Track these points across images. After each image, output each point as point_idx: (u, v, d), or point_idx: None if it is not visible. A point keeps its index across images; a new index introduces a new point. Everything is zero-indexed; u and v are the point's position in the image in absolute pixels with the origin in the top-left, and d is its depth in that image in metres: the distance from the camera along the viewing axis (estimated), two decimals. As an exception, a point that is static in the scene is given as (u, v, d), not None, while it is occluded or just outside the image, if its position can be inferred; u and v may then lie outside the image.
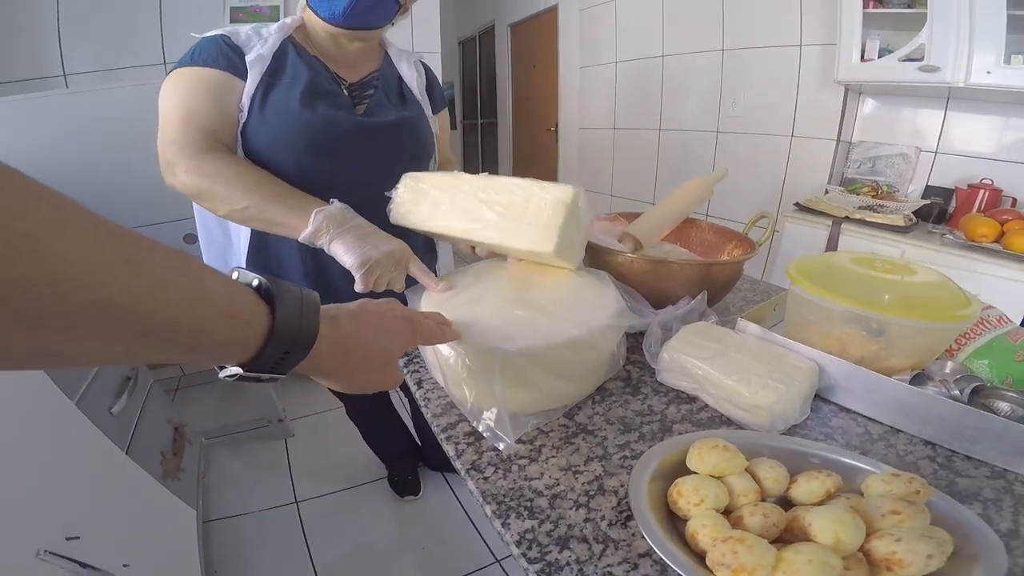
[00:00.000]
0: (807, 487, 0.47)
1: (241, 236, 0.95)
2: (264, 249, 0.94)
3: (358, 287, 0.72)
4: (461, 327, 0.59)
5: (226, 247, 0.99)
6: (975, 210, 1.68)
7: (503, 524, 0.48)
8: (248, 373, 0.36)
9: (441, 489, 1.68)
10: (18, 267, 0.22)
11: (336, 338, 0.41)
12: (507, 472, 0.55)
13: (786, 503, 0.48)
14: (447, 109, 1.14)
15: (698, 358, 0.65)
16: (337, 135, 0.87)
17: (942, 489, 0.51)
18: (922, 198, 1.84)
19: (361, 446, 1.60)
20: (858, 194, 1.81)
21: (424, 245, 1.05)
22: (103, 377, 1.27)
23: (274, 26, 0.88)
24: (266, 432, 1.89)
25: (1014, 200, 1.71)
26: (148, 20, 2.03)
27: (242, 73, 0.82)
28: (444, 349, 0.60)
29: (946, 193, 1.81)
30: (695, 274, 0.80)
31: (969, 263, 1.46)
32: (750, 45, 2.24)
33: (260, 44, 0.84)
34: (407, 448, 1.68)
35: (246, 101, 0.82)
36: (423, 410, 0.67)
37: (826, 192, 1.92)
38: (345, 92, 0.92)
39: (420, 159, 1.01)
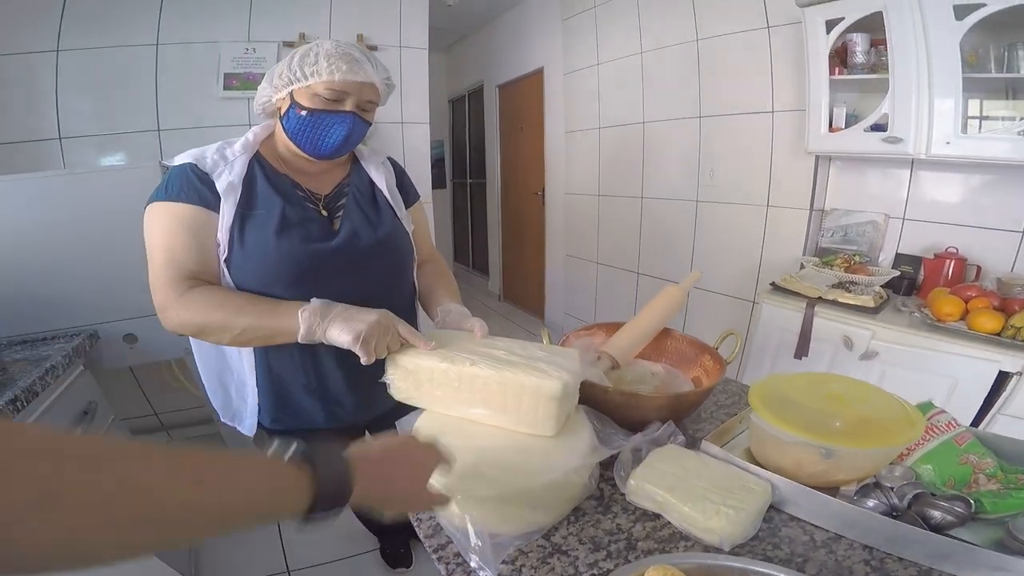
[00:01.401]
0: None
1: (243, 356, 0.96)
2: (266, 365, 0.96)
3: (362, 360, 0.77)
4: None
5: (224, 369, 1.01)
6: (942, 281, 1.75)
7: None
8: (309, 521, 0.45)
9: (432, 562, 1.67)
10: (124, 506, 0.31)
11: (379, 476, 0.50)
12: None
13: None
14: (421, 200, 1.16)
15: (660, 486, 0.71)
16: (319, 265, 0.90)
17: None
18: (893, 267, 1.90)
19: (351, 518, 1.60)
20: (832, 267, 1.87)
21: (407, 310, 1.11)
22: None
23: (238, 144, 0.90)
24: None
25: (978, 269, 1.77)
26: (143, 85, 2.11)
27: (214, 205, 0.84)
28: (435, 485, 0.65)
29: (915, 261, 1.87)
30: (664, 403, 0.86)
31: (935, 343, 1.49)
32: (725, 112, 2.32)
33: (228, 170, 0.87)
34: (398, 521, 1.67)
35: (223, 235, 0.85)
36: (416, 529, 0.74)
37: (801, 267, 1.97)
38: (320, 210, 0.94)
39: (402, 268, 1.05)
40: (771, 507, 0.73)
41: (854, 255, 1.95)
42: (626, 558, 0.65)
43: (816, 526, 0.71)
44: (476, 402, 0.75)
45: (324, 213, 0.94)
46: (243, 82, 2.25)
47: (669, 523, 0.70)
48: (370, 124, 0.93)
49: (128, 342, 1.56)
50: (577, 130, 3.25)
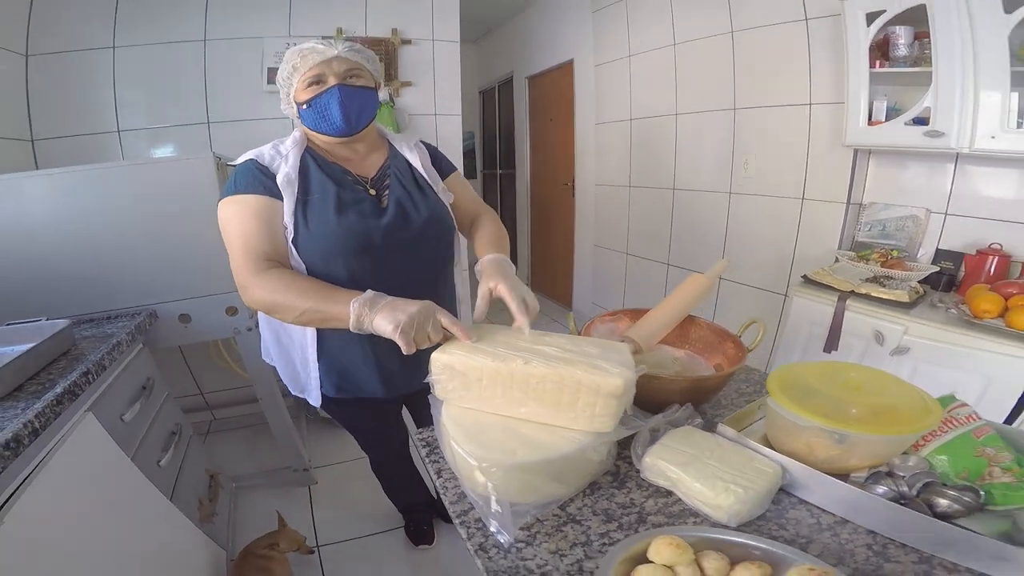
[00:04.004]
0: (742, 574, 0.56)
1: (307, 333, 1.07)
2: (327, 341, 1.08)
3: (403, 349, 0.81)
4: (474, 431, 0.74)
5: (291, 344, 1.12)
6: (984, 278, 1.69)
7: (503, 594, 0.61)
8: None
9: (454, 539, 1.74)
10: None
11: None
12: (507, 554, 0.66)
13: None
14: (457, 170, 1.24)
15: (674, 463, 0.74)
16: (374, 238, 1.00)
17: (869, 572, 0.62)
18: (932, 263, 1.85)
19: (380, 495, 1.69)
20: (867, 261, 1.83)
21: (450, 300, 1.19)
22: (154, 433, 1.41)
23: (289, 140, 1.02)
24: (292, 479, 2.00)
25: (1023, 267, 1.71)
26: (193, 79, 2.24)
27: (277, 194, 0.96)
28: (460, 455, 0.71)
29: (956, 257, 1.82)
30: (684, 386, 0.89)
31: (971, 340, 1.45)
32: (760, 104, 2.29)
33: (284, 163, 0.98)
34: (424, 500, 1.76)
35: (288, 219, 0.96)
36: (442, 497, 0.78)
37: (836, 260, 1.94)
38: (369, 190, 1.04)
39: (446, 239, 1.14)
40: (781, 489, 0.75)
41: (892, 250, 1.91)
42: (636, 530, 0.68)
43: (824, 510, 0.72)
44: (528, 400, 0.75)
45: (372, 192, 1.05)
46: (286, 77, 2.35)
47: (680, 500, 0.73)
48: (367, 89, 1.02)
49: (183, 322, 1.68)
50: (607, 121, 3.25)
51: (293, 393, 1.20)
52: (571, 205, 3.75)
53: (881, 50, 1.79)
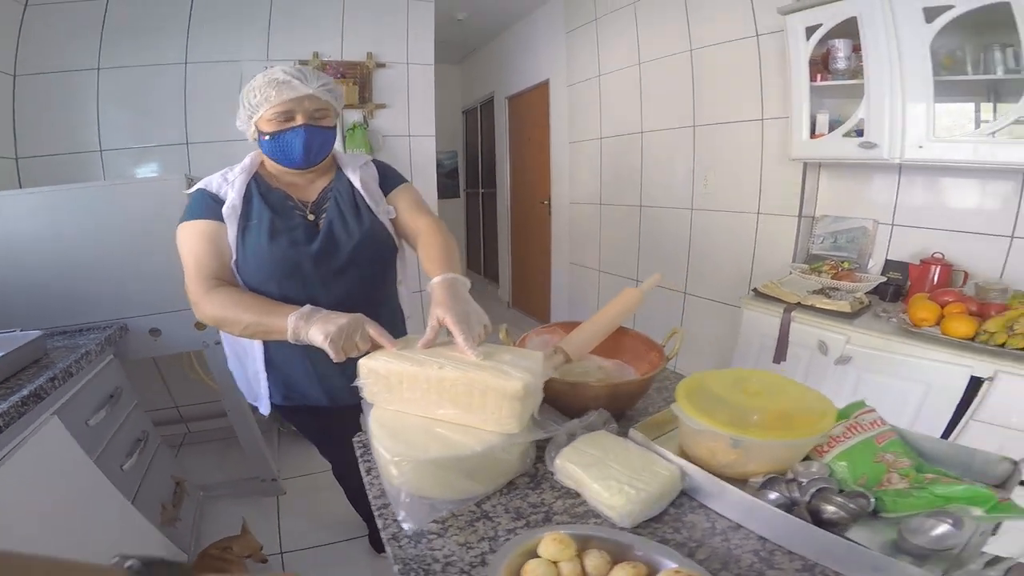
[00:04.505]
0: (618, 574, 0.60)
1: (255, 345, 1.15)
2: (272, 353, 1.15)
3: (332, 357, 0.88)
4: (395, 431, 0.78)
5: (244, 356, 1.21)
6: (928, 287, 1.76)
7: (404, 580, 0.64)
8: None
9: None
10: None
11: None
12: (417, 543, 0.70)
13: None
14: (408, 184, 1.24)
15: (579, 464, 0.78)
16: (303, 263, 1.06)
17: None
18: (882, 273, 1.91)
19: (345, 506, 1.72)
20: (819, 273, 1.89)
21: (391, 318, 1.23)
22: (119, 439, 1.46)
23: (238, 168, 1.09)
24: (260, 489, 2.04)
25: (965, 275, 1.77)
26: (174, 101, 2.31)
27: (223, 218, 1.03)
28: (379, 451, 0.77)
29: (903, 267, 1.88)
30: (602, 393, 0.94)
31: (910, 348, 1.50)
32: (718, 120, 2.37)
33: (230, 189, 1.05)
34: (388, 508, 1.79)
35: (232, 243, 1.03)
36: (368, 492, 0.84)
37: (790, 273, 2.00)
38: (307, 216, 1.10)
39: (382, 259, 1.18)
40: (684, 493, 0.79)
41: (843, 261, 1.97)
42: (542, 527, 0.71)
43: (721, 515, 0.74)
44: (444, 403, 0.82)
45: (311, 218, 1.11)
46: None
47: (585, 501, 0.76)
48: (330, 128, 1.08)
49: (153, 335, 1.74)
50: (580, 140, 3.33)
51: (249, 401, 1.27)
52: (548, 223, 3.82)
53: (824, 63, 1.86)
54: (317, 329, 0.89)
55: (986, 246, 1.73)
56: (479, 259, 5.46)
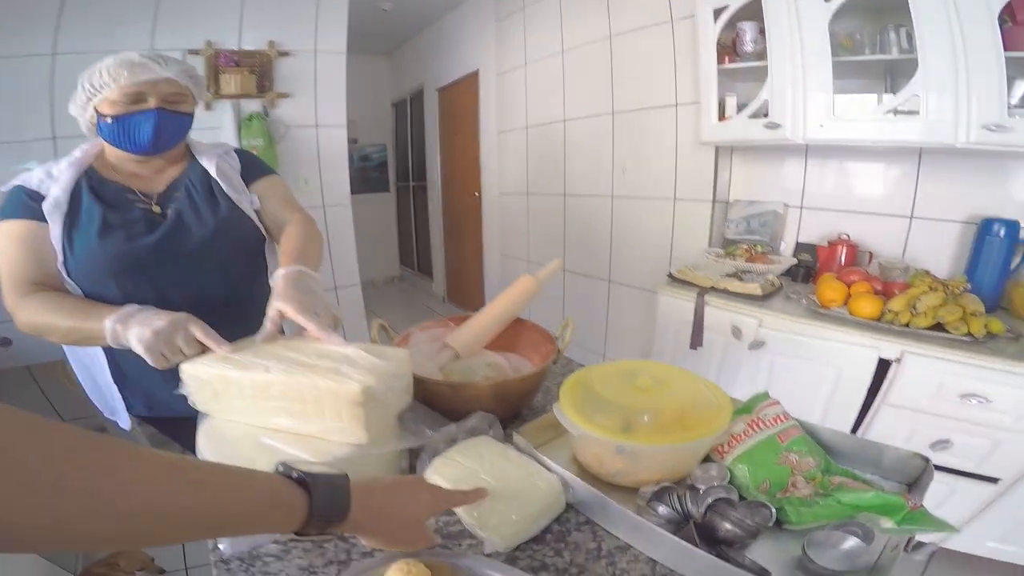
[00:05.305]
0: None
1: (99, 354, 1.02)
2: (119, 359, 1.00)
3: (152, 363, 0.77)
4: (221, 444, 0.69)
5: (90, 364, 1.06)
6: (835, 268, 1.79)
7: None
8: (300, 537, 0.54)
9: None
10: (127, 500, 0.34)
11: (370, 507, 0.51)
12: (250, 567, 0.61)
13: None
14: (273, 174, 1.14)
15: (448, 479, 0.68)
16: (143, 258, 0.93)
17: None
18: (793, 255, 1.94)
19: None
20: (734, 256, 1.90)
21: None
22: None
23: (64, 163, 0.94)
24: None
25: (870, 255, 1.82)
26: (39, 94, 2.08)
27: (44, 217, 0.89)
28: None
29: (812, 249, 1.92)
30: (486, 392, 0.85)
31: (819, 330, 1.50)
32: (635, 107, 2.35)
33: (54, 185, 0.91)
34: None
35: (56, 244, 0.90)
36: None
37: (705, 257, 2.00)
38: (151, 208, 0.97)
39: (244, 251, 1.06)
40: (571, 506, 0.70)
41: (756, 245, 1.99)
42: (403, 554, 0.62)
43: (609, 532, 0.67)
44: (278, 411, 0.70)
45: (156, 209, 0.98)
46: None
47: (459, 520, 0.68)
48: (186, 114, 0.98)
49: (3, 345, 1.61)
50: (508, 130, 3.27)
51: (105, 416, 1.11)
52: (479, 215, 3.75)
53: (733, 47, 1.86)
54: (134, 334, 0.78)
55: (888, 226, 1.78)
56: (412, 254, 5.30)
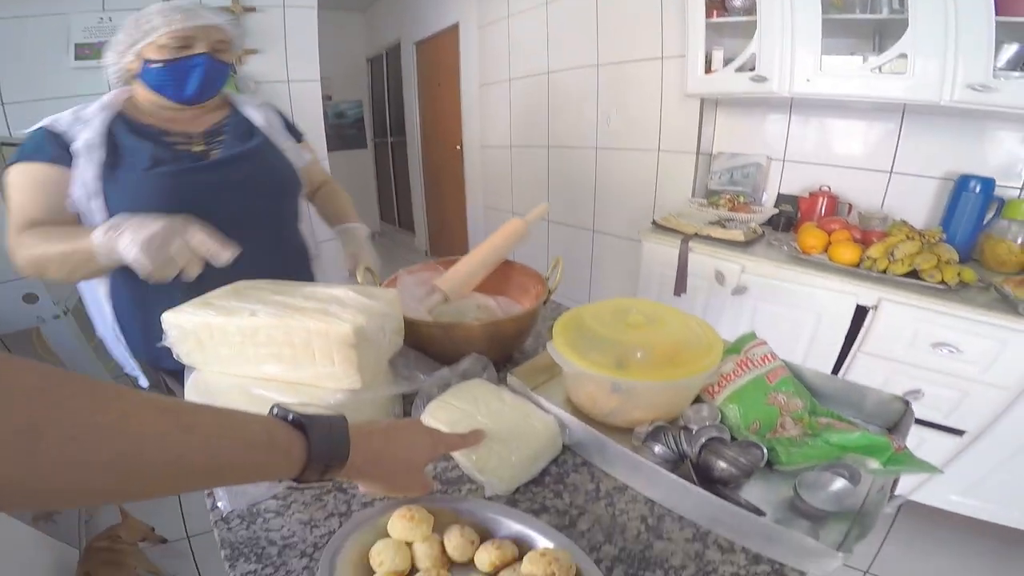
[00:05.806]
0: (481, 556, 0.51)
1: (105, 310, 0.99)
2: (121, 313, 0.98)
3: (141, 274, 0.71)
4: (208, 396, 0.68)
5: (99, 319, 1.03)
6: (815, 219, 1.82)
7: (230, 566, 0.55)
8: (299, 484, 0.52)
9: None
10: (111, 446, 0.31)
11: (369, 451, 0.49)
12: (251, 524, 0.61)
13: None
14: (305, 141, 1.19)
15: (445, 422, 0.67)
16: (190, 184, 0.90)
17: (636, 553, 0.56)
18: (774, 205, 1.97)
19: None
20: (717, 206, 1.91)
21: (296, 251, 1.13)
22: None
23: (94, 106, 0.91)
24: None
25: (850, 207, 1.85)
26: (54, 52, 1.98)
27: (66, 162, 0.85)
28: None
29: (793, 200, 1.94)
30: (480, 333, 0.83)
31: (800, 276, 1.54)
32: (619, 60, 2.32)
33: (85, 128, 0.87)
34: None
35: (86, 186, 0.85)
36: None
37: (689, 206, 2.02)
38: (192, 147, 0.95)
39: (291, 194, 1.08)
40: (568, 448, 0.70)
41: (739, 195, 2.00)
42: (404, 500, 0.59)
43: (606, 473, 0.66)
44: (267, 358, 0.68)
45: (200, 148, 0.96)
46: (97, 51, 2.07)
47: (457, 465, 0.67)
48: (227, 64, 0.97)
49: None
50: (490, 83, 3.19)
51: (127, 374, 1.06)
52: (461, 168, 3.70)
53: (721, 2, 1.82)
54: (127, 239, 0.71)
55: (868, 181, 1.81)
56: (392, 209, 5.20)
